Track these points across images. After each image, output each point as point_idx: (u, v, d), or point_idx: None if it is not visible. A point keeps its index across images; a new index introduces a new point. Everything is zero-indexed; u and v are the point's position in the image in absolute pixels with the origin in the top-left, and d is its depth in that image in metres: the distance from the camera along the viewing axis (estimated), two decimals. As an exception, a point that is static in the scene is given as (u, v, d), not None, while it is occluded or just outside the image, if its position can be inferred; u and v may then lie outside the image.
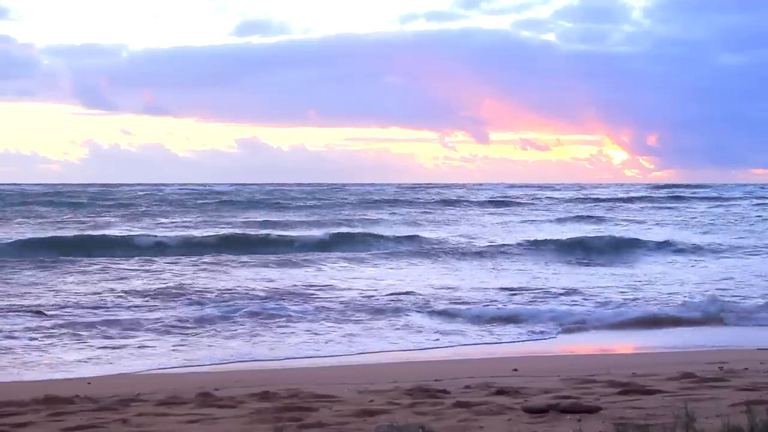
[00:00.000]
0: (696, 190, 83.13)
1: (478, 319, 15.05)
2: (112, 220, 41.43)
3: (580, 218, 45.01)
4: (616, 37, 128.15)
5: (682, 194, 73.36)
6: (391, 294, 17.73)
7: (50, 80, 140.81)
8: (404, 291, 18.13)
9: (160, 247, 28.63)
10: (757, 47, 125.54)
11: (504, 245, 28.89)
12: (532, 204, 61.11)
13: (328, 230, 33.88)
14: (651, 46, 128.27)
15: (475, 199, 64.74)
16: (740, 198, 67.98)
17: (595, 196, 70.66)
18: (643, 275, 22.11)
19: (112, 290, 18.28)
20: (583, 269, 23.92)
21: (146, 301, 16.97)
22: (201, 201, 59.73)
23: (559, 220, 44.25)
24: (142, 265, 22.88)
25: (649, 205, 59.62)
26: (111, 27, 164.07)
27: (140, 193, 72.97)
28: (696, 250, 27.94)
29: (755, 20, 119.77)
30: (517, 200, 65.22)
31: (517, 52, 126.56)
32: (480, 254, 26.71)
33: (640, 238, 31.36)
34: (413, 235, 33.14)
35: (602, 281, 20.75)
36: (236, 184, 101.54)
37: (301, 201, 60.37)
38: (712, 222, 42.78)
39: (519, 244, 28.96)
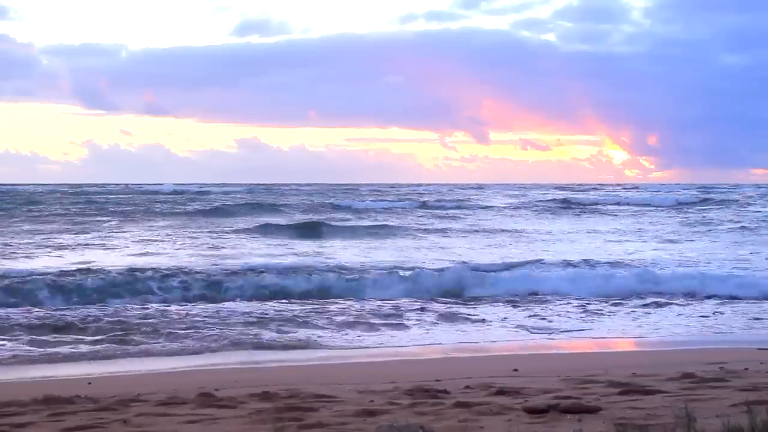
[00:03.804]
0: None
1: None
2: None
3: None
4: (616, 37, 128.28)
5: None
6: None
7: (50, 80, 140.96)
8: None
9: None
10: (757, 47, 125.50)
11: None
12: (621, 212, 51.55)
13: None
14: (651, 46, 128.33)
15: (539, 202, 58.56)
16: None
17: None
18: None
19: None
20: None
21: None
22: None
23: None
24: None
25: None
26: (110, 27, 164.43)
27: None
28: None
29: (755, 20, 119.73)
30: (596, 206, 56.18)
31: (517, 52, 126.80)
32: None
33: None
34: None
35: None
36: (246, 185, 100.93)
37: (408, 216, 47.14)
38: None
39: None
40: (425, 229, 36.47)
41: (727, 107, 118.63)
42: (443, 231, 35.67)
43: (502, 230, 36.32)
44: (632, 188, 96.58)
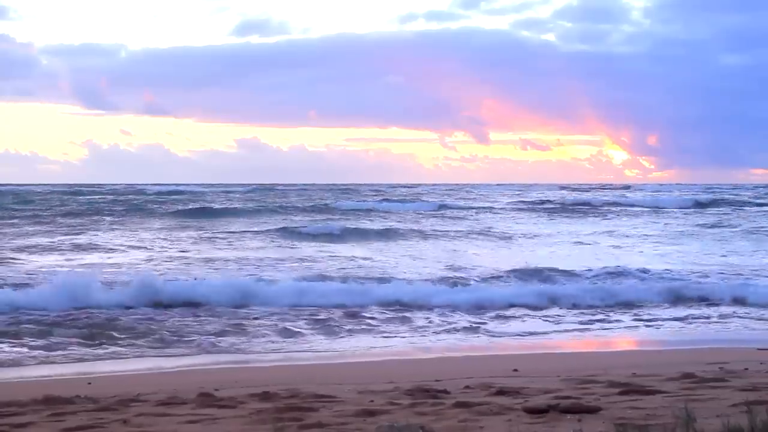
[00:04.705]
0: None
1: None
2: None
3: None
4: (616, 37, 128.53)
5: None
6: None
7: (49, 80, 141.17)
8: None
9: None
10: (757, 47, 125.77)
11: None
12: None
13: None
14: (651, 46, 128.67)
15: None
16: None
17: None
18: None
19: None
20: None
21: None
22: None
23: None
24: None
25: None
26: (110, 27, 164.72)
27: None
28: None
29: (755, 20, 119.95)
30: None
31: (517, 52, 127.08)
32: None
33: None
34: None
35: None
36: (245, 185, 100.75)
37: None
38: None
39: None
40: (428, 231, 36.44)
41: (727, 107, 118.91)
42: (447, 233, 35.59)
43: (512, 233, 35.87)
44: (626, 188, 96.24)
